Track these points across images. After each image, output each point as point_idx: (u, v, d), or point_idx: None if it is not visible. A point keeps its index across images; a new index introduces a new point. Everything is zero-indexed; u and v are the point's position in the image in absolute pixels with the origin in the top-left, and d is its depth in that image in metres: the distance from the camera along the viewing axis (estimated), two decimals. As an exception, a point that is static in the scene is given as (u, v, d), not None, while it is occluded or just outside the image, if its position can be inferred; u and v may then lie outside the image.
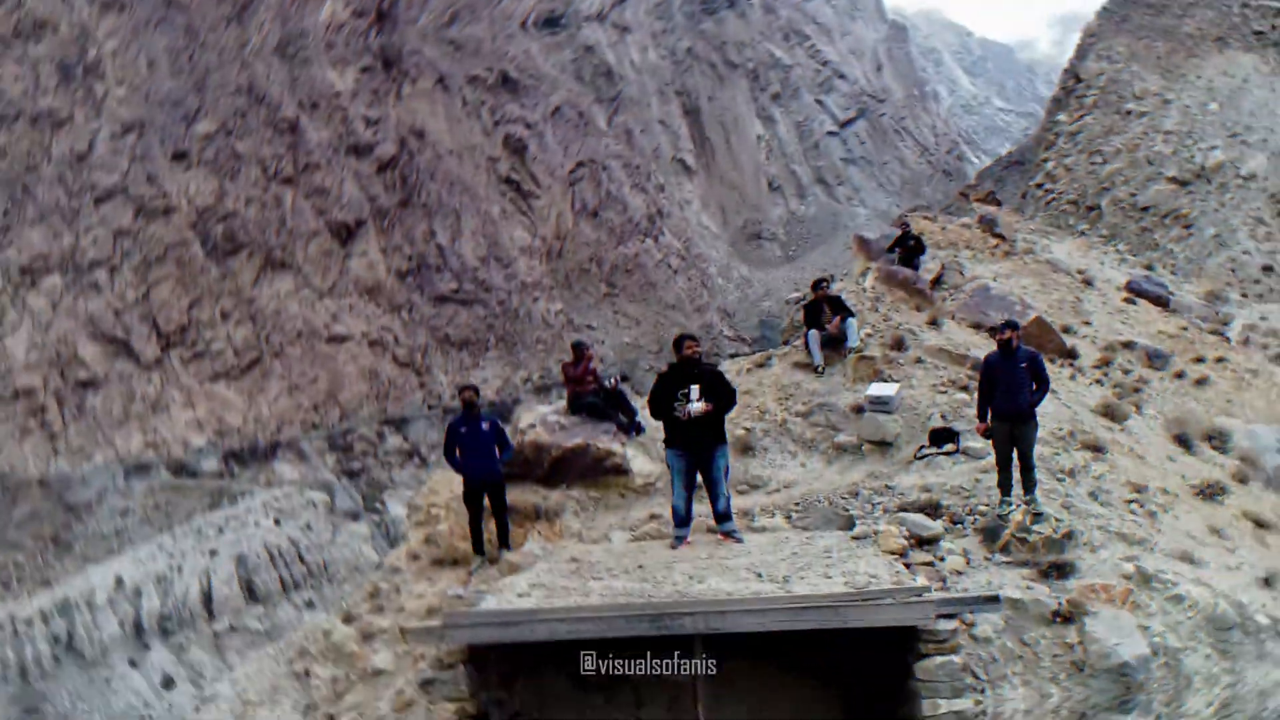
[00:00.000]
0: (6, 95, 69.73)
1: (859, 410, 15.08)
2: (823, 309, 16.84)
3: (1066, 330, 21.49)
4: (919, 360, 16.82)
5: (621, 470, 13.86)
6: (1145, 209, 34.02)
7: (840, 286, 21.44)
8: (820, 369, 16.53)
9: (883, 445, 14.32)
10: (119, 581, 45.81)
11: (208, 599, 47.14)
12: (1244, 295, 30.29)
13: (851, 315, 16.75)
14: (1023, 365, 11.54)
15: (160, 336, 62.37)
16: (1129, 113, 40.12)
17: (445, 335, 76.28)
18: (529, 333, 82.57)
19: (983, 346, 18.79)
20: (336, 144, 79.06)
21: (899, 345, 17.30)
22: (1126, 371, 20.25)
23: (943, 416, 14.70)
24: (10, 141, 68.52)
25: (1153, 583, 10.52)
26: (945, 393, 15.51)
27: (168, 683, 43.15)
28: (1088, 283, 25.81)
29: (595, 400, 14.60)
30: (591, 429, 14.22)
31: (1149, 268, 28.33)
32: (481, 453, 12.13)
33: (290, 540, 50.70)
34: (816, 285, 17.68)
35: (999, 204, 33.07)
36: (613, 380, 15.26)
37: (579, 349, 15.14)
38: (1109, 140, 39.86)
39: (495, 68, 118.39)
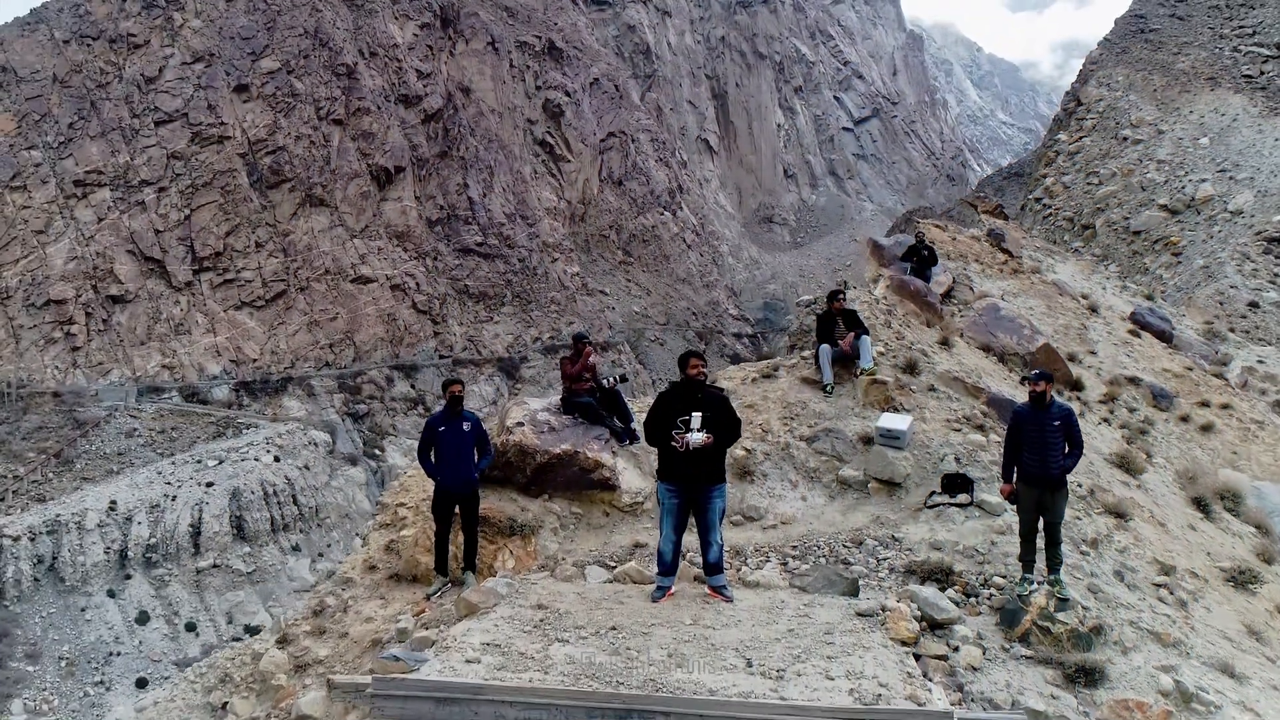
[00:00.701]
0: (92, 15, 67.06)
1: (868, 441, 13.03)
2: (836, 323, 14.63)
3: (1072, 359, 19.47)
4: (932, 389, 14.75)
5: (609, 485, 11.82)
6: (1137, 233, 31.74)
7: (854, 295, 18.70)
8: (830, 388, 14.40)
9: (891, 485, 12.37)
10: (112, 505, 43.28)
11: (196, 533, 44.57)
12: (1231, 330, 28.01)
13: (866, 333, 14.55)
14: (1056, 423, 9.63)
15: (195, 260, 60.02)
16: (1125, 139, 37.68)
17: (465, 286, 73.87)
18: (545, 292, 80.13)
19: (994, 374, 16.79)
20: (388, 92, 76.13)
21: (912, 369, 15.24)
22: (1132, 410, 18.31)
23: (956, 460, 12.71)
24: (88, 59, 65.90)
25: (1194, 703, 8.39)
26: (959, 430, 13.49)
27: (142, 618, 40.77)
28: (1093, 309, 23.81)
29: (591, 401, 12.47)
30: (583, 434, 12.15)
31: (1149, 297, 26.00)
32: (459, 457, 10.01)
33: (287, 479, 48.40)
34: (833, 296, 15.26)
35: (1006, 217, 30.64)
36: (611, 380, 13.01)
37: (578, 343, 12.94)
38: (1105, 163, 37.41)
39: (544, 36, 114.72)
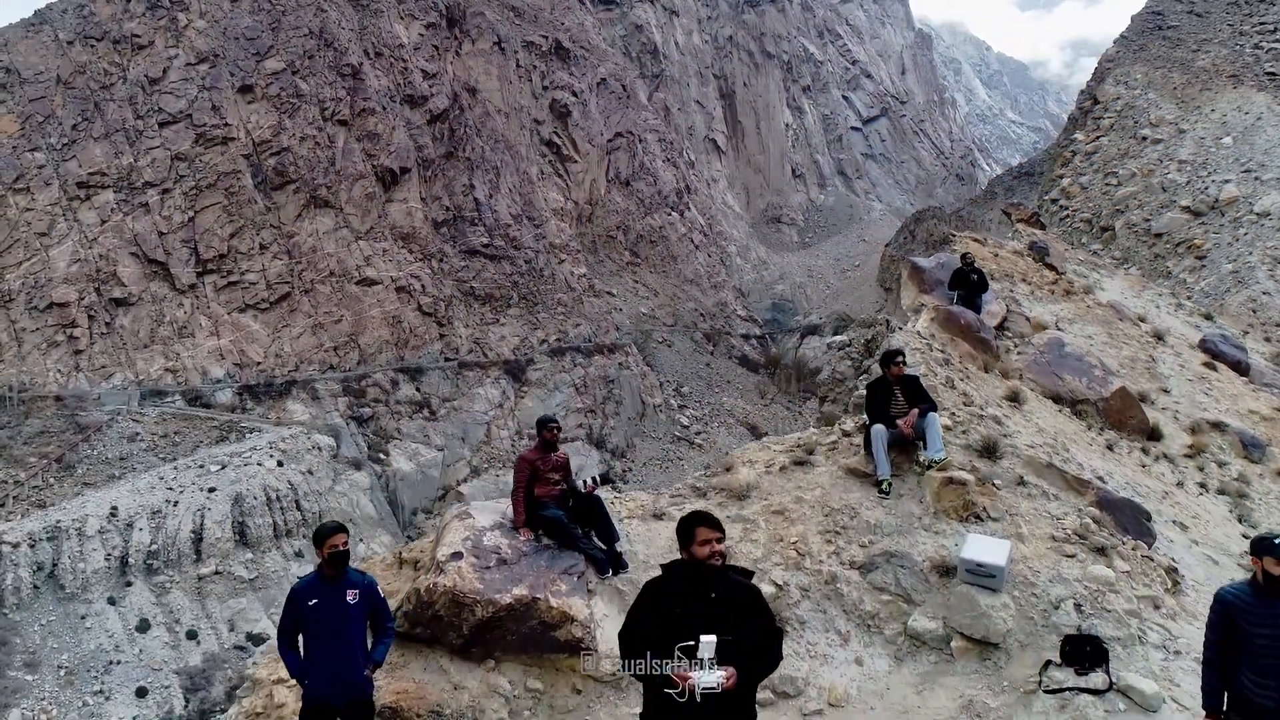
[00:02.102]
0: (96, 16, 66.68)
1: (945, 572, 9.61)
2: (894, 394, 11.33)
3: (1144, 399, 17.00)
4: (1020, 481, 11.28)
5: (581, 646, 8.48)
6: (1159, 235, 30.85)
7: (903, 344, 14.70)
8: (887, 486, 11.04)
9: (985, 645, 8.85)
10: (113, 511, 42.67)
11: (198, 539, 43.88)
12: (1267, 339, 27.08)
13: (934, 409, 11.19)
14: None
15: (199, 262, 59.50)
16: (1144, 139, 36.75)
17: (470, 288, 73.24)
18: (551, 294, 79.46)
19: (1078, 439, 13.70)
20: (393, 92, 75.60)
21: (990, 450, 11.67)
22: (1222, 464, 16.04)
23: (1077, 607, 9.12)
24: (91, 60, 65.51)
25: None
26: (1073, 555, 9.90)
27: (143, 626, 40.13)
28: (1159, 337, 21.40)
29: (560, 517, 9.26)
30: (546, 567, 8.87)
31: (1208, 317, 24.54)
32: (339, 646, 6.76)
33: (290, 484, 47.73)
34: (889, 359, 11.62)
35: (1043, 226, 29.28)
36: (589, 482, 9.89)
37: (547, 430, 9.56)
38: (1124, 163, 36.48)
39: (550, 36, 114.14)
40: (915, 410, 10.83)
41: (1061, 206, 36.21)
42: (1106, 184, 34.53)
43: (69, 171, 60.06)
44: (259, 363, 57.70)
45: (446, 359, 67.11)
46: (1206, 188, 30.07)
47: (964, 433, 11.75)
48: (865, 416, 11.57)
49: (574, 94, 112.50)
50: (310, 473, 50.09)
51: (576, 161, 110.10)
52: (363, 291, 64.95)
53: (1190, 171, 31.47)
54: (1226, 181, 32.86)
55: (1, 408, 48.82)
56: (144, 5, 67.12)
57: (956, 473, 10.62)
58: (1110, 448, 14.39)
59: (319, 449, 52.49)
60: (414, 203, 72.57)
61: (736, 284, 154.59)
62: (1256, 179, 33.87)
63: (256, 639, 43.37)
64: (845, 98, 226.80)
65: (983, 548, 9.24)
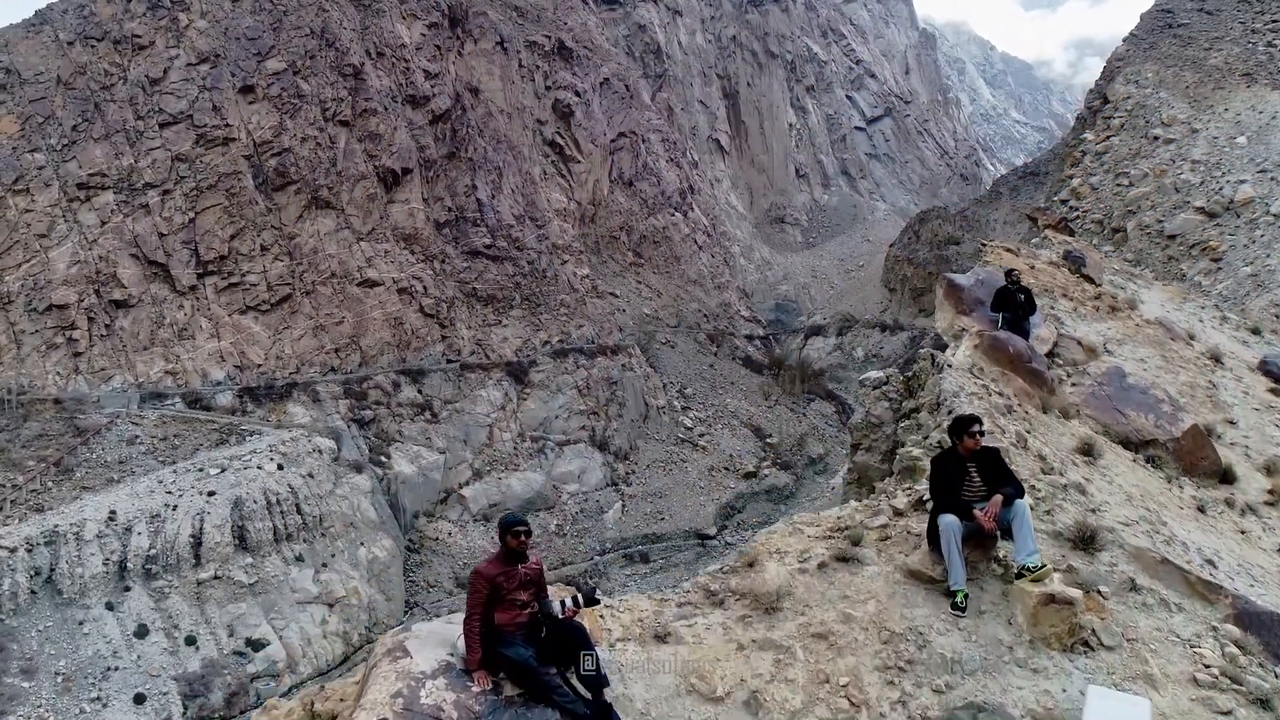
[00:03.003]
0: (96, 17, 66.31)
1: None
2: (967, 472, 8.72)
3: (1209, 433, 15.07)
4: (1133, 587, 8.67)
5: None
6: (1172, 237, 30.26)
7: (942, 365, 12.37)
8: (963, 600, 8.40)
9: None
10: (112, 515, 42.19)
11: (197, 543, 43.34)
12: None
13: (1021, 494, 8.55)
14: None
15: (199, 263, 59.06)
16: (1156, 138, 36.15)
17: (473, 289, 72.77)
18: (554, 295, 78.97)
19: (1168, 504, 11.68)
20: (395, 93, 75.16)
21: (1087, 541, 9.11)
22: None
23: None
24: (92, 60, 65.14)
25: None
26: (1228, 712, 7.37)
27: (141, 631, 39.66)
28: (1216, 359, 19.43)
29: (525, 660, 6.92)
30: None
31: (1255, 331, 23.25)
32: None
33: (290, 488, 47.24)
34: (962, 429, 8.84)
35: (1073, 232, 28.23)
36: (568, 605, 7.26)
37: (512, 535, 7.30)
38: (1136, 163, 35.86)
39: (553, 36, 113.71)
40: (998, 496, 8.35)
41: (1071, 207, 35.63)
42: (1118, 184, 33.94)
43: (69, 173, 59.69)
44: (259, 365, 57.28)
45: (448, 361, 66.67)
46: (1221, 188, 29.47)
47: (1049, 513, 9.42)
48: (927, 495, 8.95)
49: (577, 94, 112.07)
50: (311, 476, 49.63)
51: (579, 162, 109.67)
52: (364, 293, 64.51)
53: (1204, 172, 30.87)
54: (1242, 182, 32.25)
55: (0, 411, 48.47)
56: (145, 5, 66.73)
57: (1058, 588, 8.03)
58: (1202, 510, 12.34)
59: (320, 452, 52.04)
60: (416, 204, 72.14)
61: (740, 284, 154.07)
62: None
63: (256, 644, 42.96)
64: (849, 97, 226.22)
65: (1111, 703, 6.61)
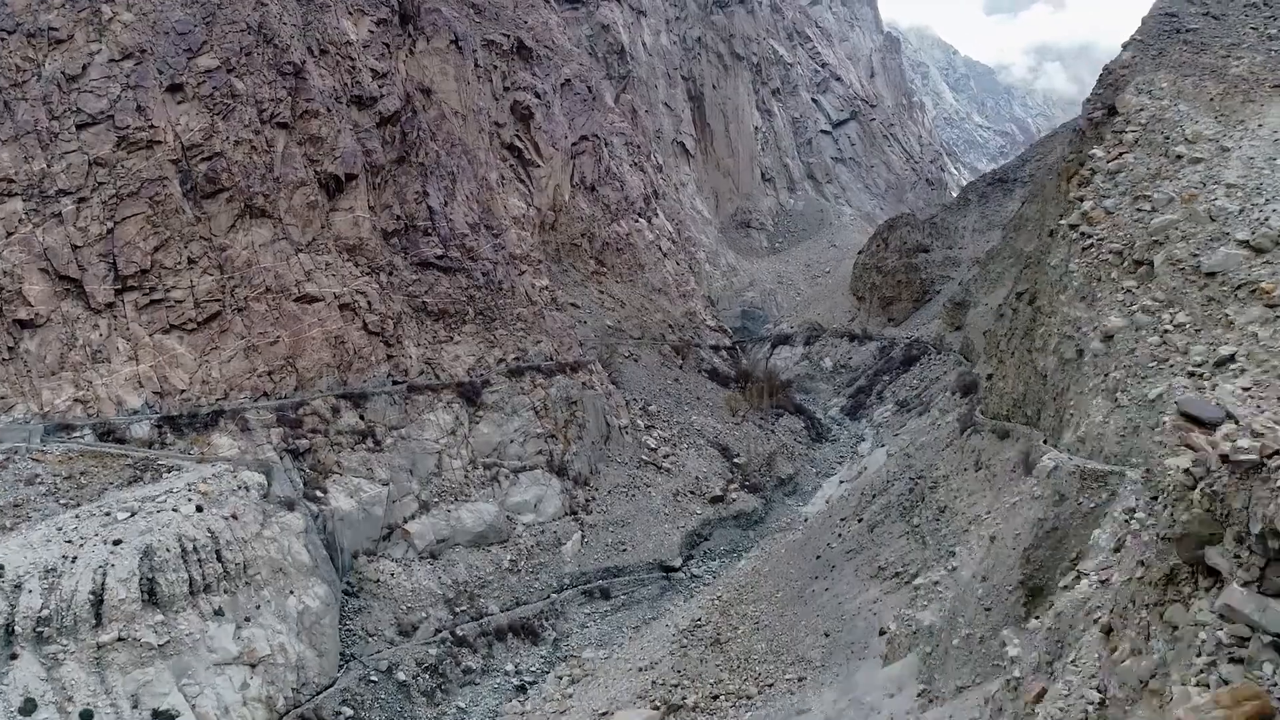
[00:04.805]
0: (9, 8, 60.37)
1: None
2: None
3: None
4: None
5: None
6: (1211, 275, 26.35)
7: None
8: None
9: None
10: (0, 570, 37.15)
11: (98, 601, 38.13)
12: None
13: None
14: None
15: (118, 278, 53.49)
16: (1179, 157, 32.27)
17: (423, 304, 67.76)
18: (510, 308, 74.15)
19: None
20: (339, 93, 69.90)
21: None
22: None
23: None
24: (2, 55, 59.27)
25: None
26: None
27: (28, 707, 34.41)
28: None
29: None
30: None
31: None
32: None
33: (210, 533, 42.04)
34: None
35: None
36: None
37: None
38: (1158, 186, 31.91)
39: (512, 35, 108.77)
40: None
41: (1083, 234, 31.69)
42: (1138, 209, 29.99)
43: (-28, 178, 53.95)
44: (183, 390, 51.92)
45: (394, 382, 61.64)
46: (1266, 218, 25.53)
47: None
48: None
49: (537, 95, 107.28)
50: (235, 517, 44.48)
51: (539, 166, 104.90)
52: (302, 309, 59.30)
53: (1242, 198, 26.96)
54: (1293, 211, 28.43)
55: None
56: (64, -4, 61.02)
57: None
58: None
59: (246, 489, 46.89)
60: (361, 212, 67.00)
61: (706, 292, 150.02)
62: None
63: (164, 716, 37.86)
64: (814, 100, 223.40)
65: None
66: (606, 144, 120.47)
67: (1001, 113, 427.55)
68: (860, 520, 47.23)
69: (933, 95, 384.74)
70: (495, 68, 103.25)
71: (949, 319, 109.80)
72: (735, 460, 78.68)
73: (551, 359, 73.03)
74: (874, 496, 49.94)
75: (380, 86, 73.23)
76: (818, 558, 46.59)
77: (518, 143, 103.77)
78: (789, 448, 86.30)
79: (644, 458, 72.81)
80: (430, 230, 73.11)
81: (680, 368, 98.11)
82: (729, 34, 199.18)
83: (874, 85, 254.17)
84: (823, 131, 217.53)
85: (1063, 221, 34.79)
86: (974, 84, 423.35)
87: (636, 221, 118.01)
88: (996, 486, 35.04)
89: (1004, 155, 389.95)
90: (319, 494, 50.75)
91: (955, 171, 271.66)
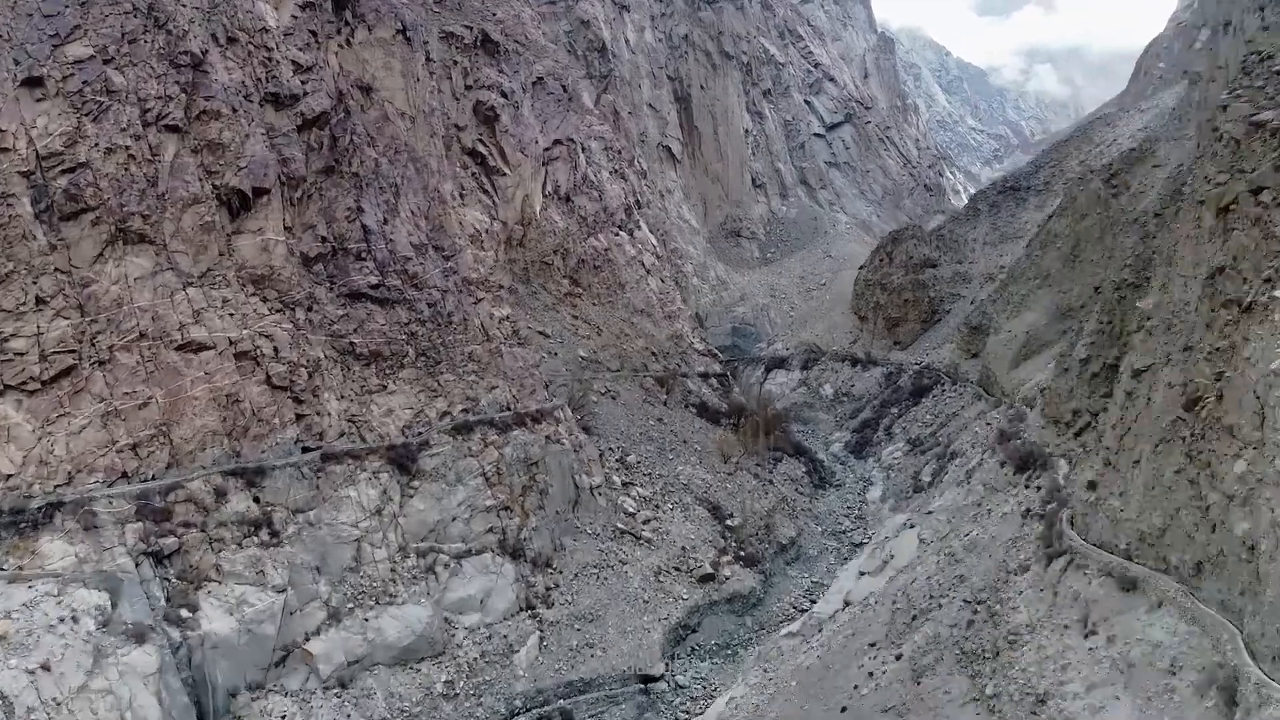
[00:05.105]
0: None
1: None
2: None
3: None
4: None
5: None
6: None
7: None
8: None
9: None
10: None
11: None
12: None
13: None
14: None
15: (-79, 330, 41.12)
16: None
17: (350, 345, 55.42)
18: (461, 346, 61.91)
19: None
20: (250, 90, 57.42)
21: None
22: None
23: None
24: None
25: None
26: None
27: None
28: None
29: None
30: None
31: None
32: None
33: (3, 699, 30.09)
34: None
35: None
36: None
37: None
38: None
39: (476, 26, 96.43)
40: None
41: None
42: None
43: None
44: (9, 476, 39.51)
45: (305, 449, 49.26)
46: None
47: None
48: None
49: (504, 95, 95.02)
50: (45, 669, 32.18)
51: (506, 174, 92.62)
52: (185, 360, 46.86)
53: None
54: None
55: None
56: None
57: None
58: None
59: (74, 619, 34.55)
60: (273, 234, 54.58)
61: (694, 309, 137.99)
62: None
63: None
64: (807, 102, 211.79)
65: None
66: (583, 149, 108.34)
67: (995, 115, 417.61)
68: (899, 657, 35.24)
69: (925, 97, 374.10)
70: (455, 63, 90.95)
71: (963, 344, 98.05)
72: (728, 522, 66.56)
73: (509, 408, 60.77)
74: (914, 618, 38.01)
75: (304, 82, 60.81)
76: (843, 710, 34.58)
77: (481, 148, 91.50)
78: (789, 501, 74.23)
79: (620, 525, 60.63)
80: (364, 254, 60.77)
81: (664, 404, 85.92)
82: (718, 31, 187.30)
83: (868, 87, 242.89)
84: (816, 135, 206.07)
85: (1241, 284, 22.89)
86: (967, 86, 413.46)
87: (616, 235, 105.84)
88: (1142, 691, 23.05)
89: (998, 159, 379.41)
90: (186, 613, 38.35)
91: (952, 176, 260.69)
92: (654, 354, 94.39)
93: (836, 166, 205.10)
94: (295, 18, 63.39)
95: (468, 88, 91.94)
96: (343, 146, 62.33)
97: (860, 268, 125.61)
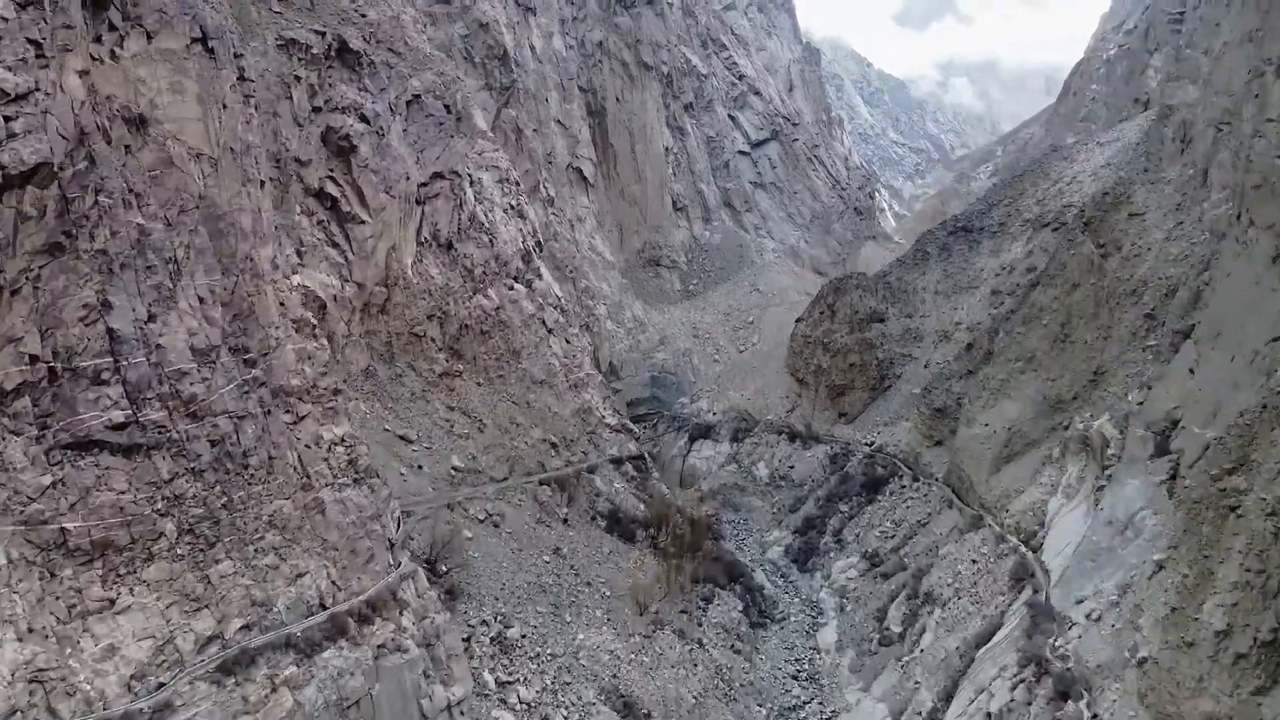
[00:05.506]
0: None
1: None
2: None
3: None
4: None
5: None
6: None
7: None
8: None
9: None
10: None
11: None
12: None
13: None
14: None
15: None
16: None
17: (59, 535, 35.34)
18: (255, 507, 42.09)
19: None
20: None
21: None
22: None
23: None
24: None
25: None
26: None
27: None
28: None
29: None
30: None
31: None
32: None
33: None
34: None
35: None
36: None
37: None
38: None
39: (332, 31, 75.92)
40: None
41: None
42: None
43: None
44: None
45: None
46: None
47: None
48: None
49: (364, 119, 74.82)
50: None
51: (365, 222, 72.46)
52: None
53: None
54: None
55: None
56: None
57: None
58: None
59: None
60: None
61: (609, 356, 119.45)
62: None
63: None
64: (731, 117, 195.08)
65: None
66: (472, 182, 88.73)
67: (915, 129, 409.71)
68: None
69: (847, 109, 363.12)
70: (298, 79, 70.40)
71: (924, 428, 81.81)
72: (645, 726, 48.19)
73: (323, 604, 41.20)
74: None
75: (9, 119, 40.15)
76: None
77: (332, 188, 71.22)
78: (724, 674, 56.27)
79: (489, 764, 41.63)
80: (107, 375, 40.47)
81: (565, 520, 67.21)
82: (635, 39, 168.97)
83: (794, 100, 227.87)
84: (740, 152, 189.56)
85: None
86: (888, 98, 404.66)
87: (511, 289, 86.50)
88: None
89: (920, 173, 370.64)
90: None
91: (880, 196, 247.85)
92: (554, 445, 75.50)
93: (762, 187, 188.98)
94: (5, 20, 42.52)
95: (315, 110, 71.48)
96: (79, 212, 41.79)
97: (798, 320, 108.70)
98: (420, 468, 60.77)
